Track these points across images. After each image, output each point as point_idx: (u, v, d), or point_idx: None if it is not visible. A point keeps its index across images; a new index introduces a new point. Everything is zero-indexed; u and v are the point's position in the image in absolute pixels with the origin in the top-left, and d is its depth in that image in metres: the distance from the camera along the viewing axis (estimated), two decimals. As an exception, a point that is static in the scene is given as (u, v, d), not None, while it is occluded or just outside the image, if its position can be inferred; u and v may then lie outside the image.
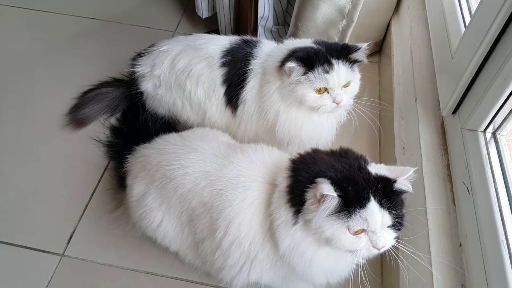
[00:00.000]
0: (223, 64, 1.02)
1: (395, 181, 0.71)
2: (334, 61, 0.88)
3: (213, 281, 1.00)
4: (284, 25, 1.46)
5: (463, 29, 1.01)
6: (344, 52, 0.90)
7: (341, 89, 0.91)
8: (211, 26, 1.62)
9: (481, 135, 0.88)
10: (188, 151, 0.90)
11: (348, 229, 0.68)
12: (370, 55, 1.53)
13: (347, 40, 1.23)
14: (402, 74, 1.24)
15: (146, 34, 1.62)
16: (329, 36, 1.21)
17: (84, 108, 1.28)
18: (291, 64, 0.87)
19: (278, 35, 1.43)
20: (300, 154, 0.79)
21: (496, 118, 0.85)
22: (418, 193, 0.92)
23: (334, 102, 0.91)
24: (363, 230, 0.69)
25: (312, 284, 0.89)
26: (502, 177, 0.80)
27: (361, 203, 0.67)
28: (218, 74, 1.03)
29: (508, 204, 0.77)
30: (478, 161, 0.83)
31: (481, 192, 0.80)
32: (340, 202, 0.67)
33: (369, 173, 0.71)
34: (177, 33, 1.64)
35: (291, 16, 1.30)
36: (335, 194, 0.66)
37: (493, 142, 0.86)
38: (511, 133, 0.88)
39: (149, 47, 1.17)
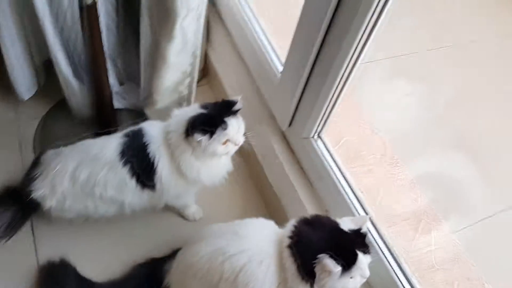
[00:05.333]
0: (126, 163, 1.16)
1: (360, 229, 0.97)
2: (226, 119, 1.12)
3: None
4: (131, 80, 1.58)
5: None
6: (228, 109, 1.14)
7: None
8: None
9: (312, 140, 1.37)
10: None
11: (350, 277, 0.92)
12: (199, 82, 1.72)
13: (194, 87, 1.51)
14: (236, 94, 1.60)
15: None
16: (179, 91, 1.47)
17: None
18: (198, 138, 1.08)
19: (125, 93, 1.57)
20: (293, 230, 0.99)
21: (319, 127, 1.34)
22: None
23: (236, 145, 1.16)
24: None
25: None
26: (330, 156, 1.34)
27: (355, 260, 0.91)
28: (124, 172, 1.16)
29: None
30: (315, 154, 1.34)
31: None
32: (343, 267, 0.89)
33: (346, 233, 0.95)
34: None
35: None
36: (339, 268, 0.88)
37: (320, 141, 1.37)
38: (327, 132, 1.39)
39: (37, 168, 1.20)
